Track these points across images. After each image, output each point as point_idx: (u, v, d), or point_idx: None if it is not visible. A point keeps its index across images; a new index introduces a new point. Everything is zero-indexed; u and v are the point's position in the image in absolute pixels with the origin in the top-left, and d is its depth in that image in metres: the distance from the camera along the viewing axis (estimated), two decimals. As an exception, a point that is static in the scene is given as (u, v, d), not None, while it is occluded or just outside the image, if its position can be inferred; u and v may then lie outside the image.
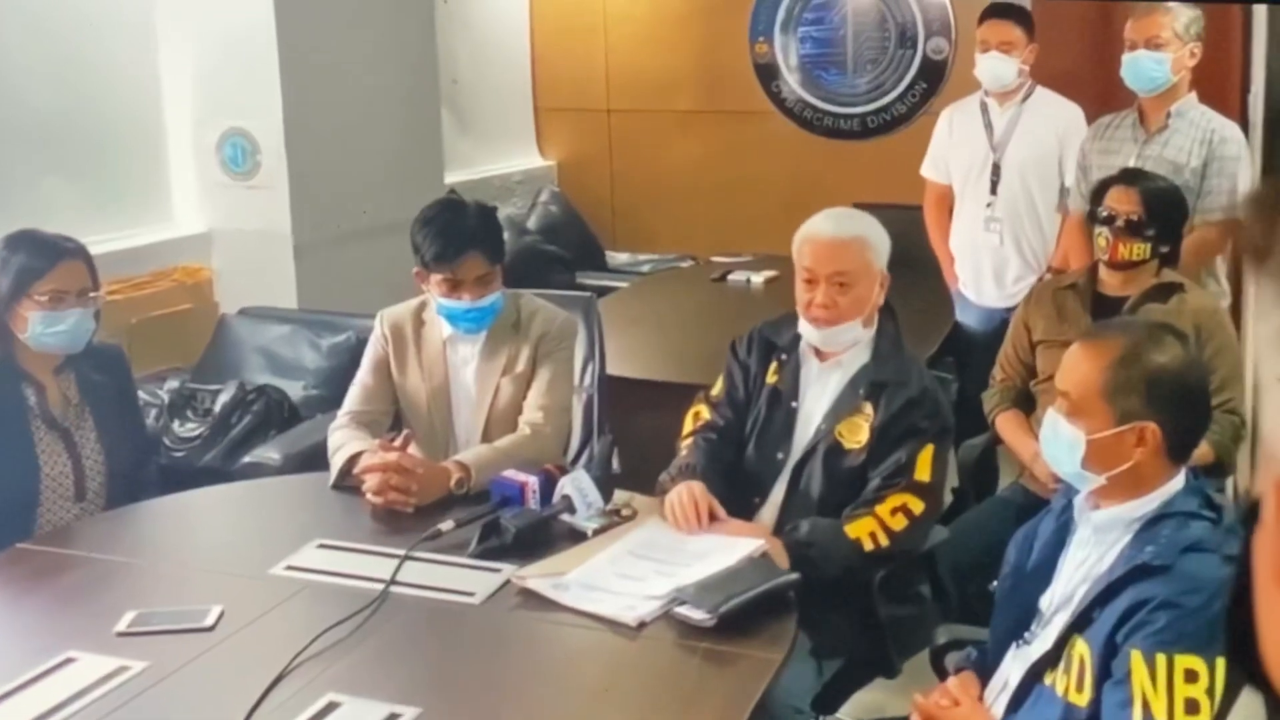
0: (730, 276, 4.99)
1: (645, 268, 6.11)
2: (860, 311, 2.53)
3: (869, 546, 2.40)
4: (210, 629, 2.10)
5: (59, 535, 2.58)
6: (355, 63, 4.67)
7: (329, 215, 4.58)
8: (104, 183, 4.34)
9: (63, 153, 4.18)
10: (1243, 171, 3.59)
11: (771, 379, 2.62)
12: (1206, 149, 3.56)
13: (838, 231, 2.54)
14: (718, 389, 2.70)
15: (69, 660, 1.99)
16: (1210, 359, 2.90)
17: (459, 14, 6.03)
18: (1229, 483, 3.16)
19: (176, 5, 4.44)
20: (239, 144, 4.48)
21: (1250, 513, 0.48)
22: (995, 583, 2.11)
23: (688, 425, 2.69)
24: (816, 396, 2.58)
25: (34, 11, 4.07)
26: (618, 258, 6.38)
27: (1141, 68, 3.63)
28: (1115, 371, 1.88)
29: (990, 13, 4.14)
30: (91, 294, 2.71)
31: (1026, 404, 3.25)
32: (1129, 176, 3.26)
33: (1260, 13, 4.93)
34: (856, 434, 2.51)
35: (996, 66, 4.06)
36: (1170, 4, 3.69)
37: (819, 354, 2.60)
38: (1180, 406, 1.87)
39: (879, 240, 2.56)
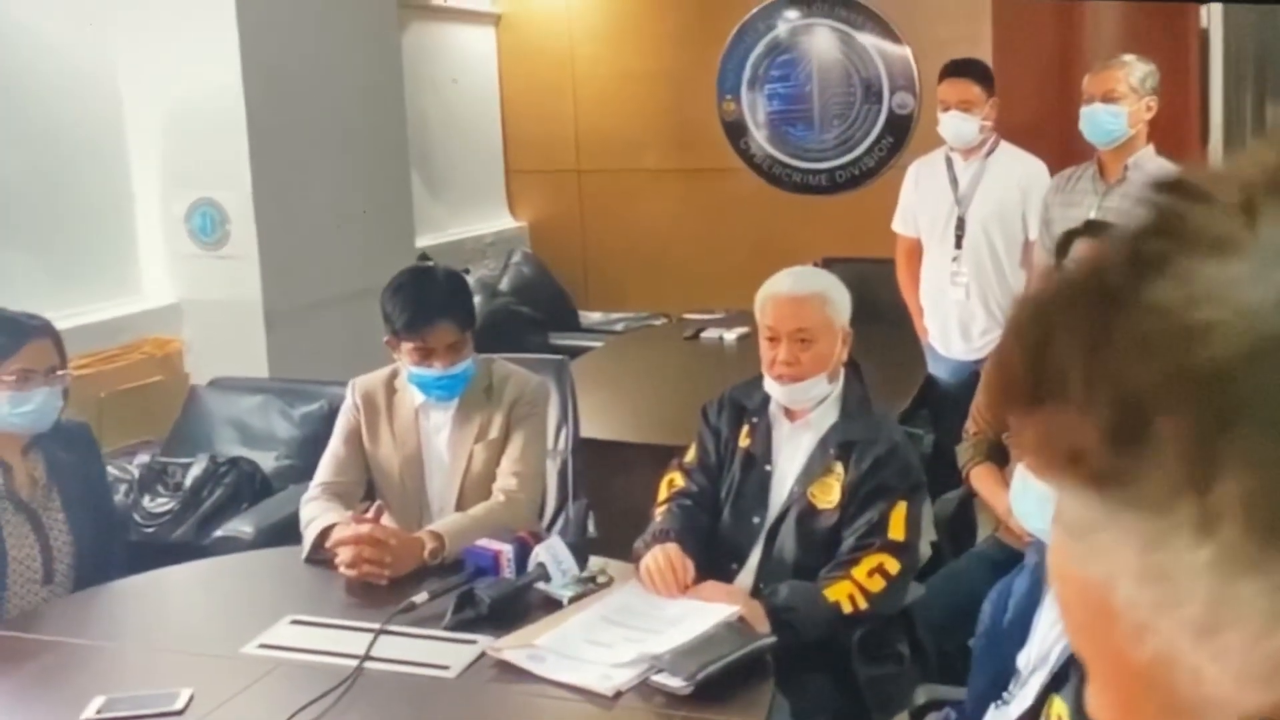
0: (703, 334, 5.00)
1: (618, 326, 6.12)
2: (823, 367, 2.55)
3: (848, 609, 2.39)
4: (180, 713, 2.06)
5: (25, 619, 2.53)
6: (324, 129, 4.68)
7: (300, 283, 4.56)
8: (70, 256, 4.31)
9: (27, 225, 4.14)
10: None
11: (744, 442, 2.63)
12: None
13: (797, 289, 2.57)
14: (691, 455, 2.69)
15: (35, 749, 1.96)
16: None
17: (428, 77, 6.07)
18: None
19: (142, 74, 4.43)
20: (208, 214, 4.47)
21: None
22: (973, 640, 2.10)
23: (662, 492, 2.68)
24: (789, 458, 2.59)
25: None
26: (591, 317, 6.39)
27: (1098, 121, 3.68)
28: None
29: (949, 71, 4.15)
30: (59, 372, 2.68)
31: (1001, 457, 3.25)
32: (1093, 229, 3.29)
33: (1216, 64, 5.03)
34: (828, 494, 2.51)
35: (957, 125, 4.08)
36: (1126, 58, 3.75)
37: (789, 414, 2.61)
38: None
39: (839, 296, 2.59)
